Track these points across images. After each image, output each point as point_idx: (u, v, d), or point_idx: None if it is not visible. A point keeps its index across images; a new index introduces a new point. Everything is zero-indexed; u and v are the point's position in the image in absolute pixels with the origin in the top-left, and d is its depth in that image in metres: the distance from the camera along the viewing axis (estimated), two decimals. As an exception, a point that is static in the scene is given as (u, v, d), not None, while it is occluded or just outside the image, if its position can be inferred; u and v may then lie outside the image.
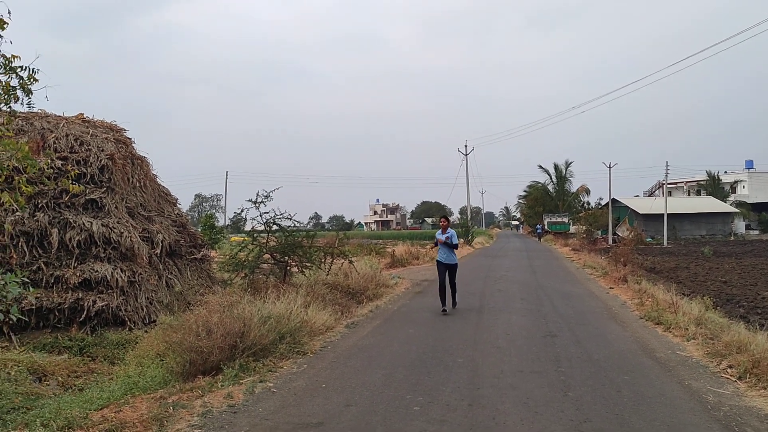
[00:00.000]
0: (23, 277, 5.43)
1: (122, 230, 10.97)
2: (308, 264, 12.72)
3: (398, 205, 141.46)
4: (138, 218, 12.13)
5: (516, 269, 22.77)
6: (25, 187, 5.60)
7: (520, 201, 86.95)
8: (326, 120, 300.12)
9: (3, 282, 5.11)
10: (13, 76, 5.29)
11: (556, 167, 71.17)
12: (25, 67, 5.30)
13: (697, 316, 9.74)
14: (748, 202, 65.73)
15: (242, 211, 12.94)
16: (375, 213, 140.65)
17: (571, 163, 70.57)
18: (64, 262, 10.28)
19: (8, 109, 5.53)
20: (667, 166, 51.62)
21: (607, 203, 55.30)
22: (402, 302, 13.31)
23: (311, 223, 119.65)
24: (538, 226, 61.71)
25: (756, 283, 17.64)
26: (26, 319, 9.22)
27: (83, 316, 9.84)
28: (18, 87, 5.35)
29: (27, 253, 10.09)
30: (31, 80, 5.35)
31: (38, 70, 5.34)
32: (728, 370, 6.85)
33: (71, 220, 10.60)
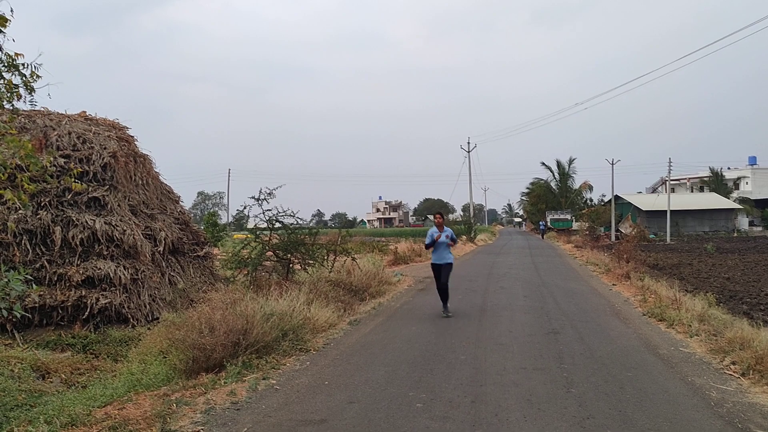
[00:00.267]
0: (26, 274, 5.45)
1: (125, 228, 10.99)
2: (311, 261, 12.72)
3: (401, 202, 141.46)
4: (141, 216, 12.14)
5: (519, 266, 22.75)
6: (28, 185, 5.61)
7: (522, 198, 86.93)
8: (329, 117, 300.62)
9: (6, 280, 5.12)
10: (16, 73, 5.30)
11: (558, 164, 71.17)
12: (28, 65, 5.30)
13: (700, 313, 9.71)
14: (752, 198, 65.58)
15: (245, 208, 12.94)
16: (378, 210, 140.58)
17: (573, 159, 70.58)
18: (67, 260, 10.31)
19: (11, 107, 5.53)
20: (670, 162, 51.46)
21: (610, 200, 55.26)
22: (405, 299, 13.31)
23: (314, 221, 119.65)
24: (540, 223, 61.62)
25: (759, 279, 17.57)
26: (29, 317, 9.27)
27: (86, 313, 9.87)
28: (21, 85, 5.35)
29: (30, 251, 10.11)
30: (34, 78, 5.35)
31: (41, 65, 5.34)
32: (731, 366, 6.84)
33: (74, 218, 10.62)
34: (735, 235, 54.34)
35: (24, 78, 5.33)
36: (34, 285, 7.33)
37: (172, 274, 12.23)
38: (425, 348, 8.05)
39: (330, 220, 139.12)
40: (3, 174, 5.34)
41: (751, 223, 62.37)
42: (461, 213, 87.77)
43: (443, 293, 10.95)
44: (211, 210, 73.14)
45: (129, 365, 7.74)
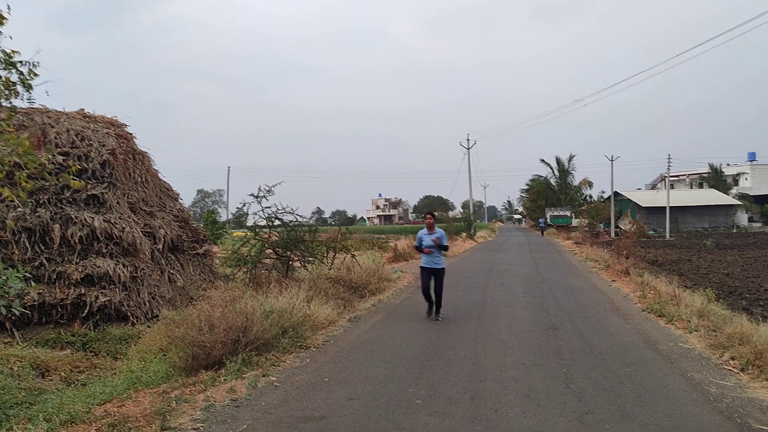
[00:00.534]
0: (25, 272, 5.44)
1: (124, 225, 10.98)
2: (311, 259, 12.72)
3: (401, 199, 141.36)
4: (140, 213, 12.14)
5: (518, 263, 22.75)
6: (27, 182, 5.60)
7: (522, 195, 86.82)
8: (329, 115, 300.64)
9: (5, 278, 5.12)
10: (14, 71, 5.28)
11: (558, 161, 71.09)
12: (25, 62, 5.28)
13: (699, 309, 9.72)
14: (751, 194, 65.56)
15: (244, 205, 12.92)
16: (377, 207, 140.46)
17: (573, 156, 70.48)
18: (66, 258, 10.30)
19: (9, 105, 5.52)
20: (669, 158, 51.46)
21: (610, 196, 55.22)
22: (404, 296, 13.31)
23: (314, 218, 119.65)
24: (540, 219, 61.59)
25: (758, 275, 17.60)
26: (29, 315, 9.27)
27: (86, 311, 9.87)
28: (18, 82, 5.34)
29: (29, 249, 10.11)
30: (31, 75, 5.34)
31: (38, 63, 5.33)
32: (731, 361, 6.85)
33: (73, 216, 10.61)
34: (734, 231, 54.38)
35: (22, 75, 5.31)
36: (33, 283, 7.34)
37: (171, 271, 12.22)
38: (425, 344, 8.05)
39: (330, 217, 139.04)
40: (1, 172, 5.33)
41: (750, 219, 62.39)
42: (461, 210, 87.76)
43: (436, 298, 10.11)
44: (211, 207, 73.12)
45: (128, 363, 7.74)
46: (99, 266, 10.29)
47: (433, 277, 10.03)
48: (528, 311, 10.79)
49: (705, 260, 23.33)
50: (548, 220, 62.49)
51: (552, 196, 70.02)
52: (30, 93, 5.48)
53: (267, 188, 12.61)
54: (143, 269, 11.04)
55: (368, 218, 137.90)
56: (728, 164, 74.28)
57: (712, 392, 5.76)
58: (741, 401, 5.48)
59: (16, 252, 9.89)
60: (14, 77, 5.28)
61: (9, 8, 4.99)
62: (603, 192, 73.61)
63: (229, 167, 75.23)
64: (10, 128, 5.38)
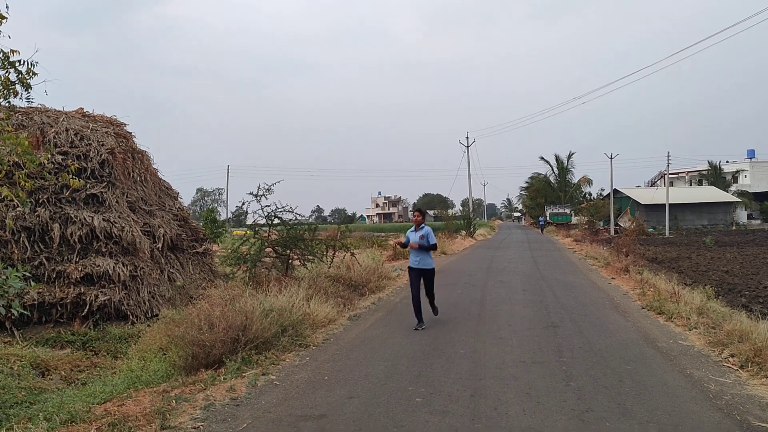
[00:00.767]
0: (25, 272, 5.44)
1: (123, 225, 10.98)
2: (310, 257, 12.72)
3: (400, 197, 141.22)
4: (139, 212, 12.14)
5: (518, 260, 22.76)
6: (26, 181, 5.60)
7: (522, 192, 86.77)
8: (328, 112, 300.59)
9: (5, 277, 5.12)
10: (12, 70, 5.28)
11: (557, 158, 71.03)
12: (24, 62, 5.28)
13: (698, 306, 9.73)
14: (750, 191, 65.57)
15: (243, 204, 12.93)
16: (377, 206, 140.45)
17: (572, 154, 70.41)
18: (65, 257, 10.31)
19: (7, 104, 5.52)
20: (668, 156, 51.42)
21: (609, 194, 55.21)
22: (404, 294, 13.29)
23: (313, 216, 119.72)
24: (540, 217, 61.61)
25: (758, 272, 17.61)
26: (29, 314, 9.27)
27: (85, 310, 9.88)
28: (17, 82, 5.34)
29: (28, 249, 10.11)
30: (30, 74, 5.34)
31: (36, 63, 5.33)
32: (730, 359, 6.85)
33: (72, 215, 10.61)
34: (733, 228, 54.38)
35: (20, 75, 5.31)
36: (32, 282, 7.34)
37: (171, 270, 12.23)
38: (424, 342, 8.06)
39: (329, 215, 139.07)
40: (0, 171, 5.33)
41: (749, 216, 62.44)
42: (461, 208, 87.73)
43: (417, 305, 9.18)
44: (210, 206, 73.09)
45: (128, 362, 7.75)
46: (98, 265, 10.29)
47: (422, 279, 9.35)
48: (527, 309, 10.80)
49: (704, 257, 23.35)
50: (548, 218, 62.51)
51: (551, 194, 70.00)
52: (29, 92, 5.49)
53: (266, 187, 12.63)
54: (143, 268, 11.04)
55: (368, 216, 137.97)
56: (727, 161, 74.29)
57: (711, 389, 5.76)
58: (740, 398, 5.48)
59: (16, 251, 9.89)
60: (13, 77, 5.28)
61: (7, 7, 4.98)
62: (602, 190, 73.54)
63: (228, 166, 75.34)
64: (9, 128, 5.38)
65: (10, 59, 5.22)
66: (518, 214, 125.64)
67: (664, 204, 49.11)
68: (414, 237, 9.33)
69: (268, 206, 12.57)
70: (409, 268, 9.53)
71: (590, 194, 71.96)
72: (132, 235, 10.96)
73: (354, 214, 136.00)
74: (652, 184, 76.72)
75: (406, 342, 8.12)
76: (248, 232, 13.29)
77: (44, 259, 10.10)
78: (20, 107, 11.25)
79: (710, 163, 70.92)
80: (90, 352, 8.95)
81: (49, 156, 10.46)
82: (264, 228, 12.73)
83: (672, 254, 24.96)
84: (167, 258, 12.41)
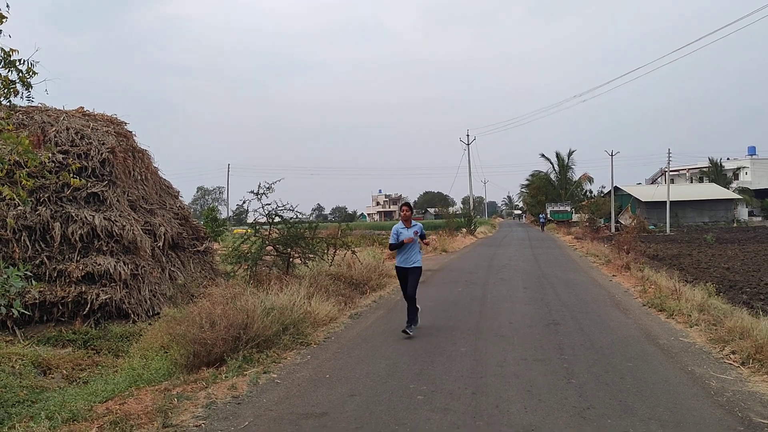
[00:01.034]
0: (26, 271, 5.44)
1: (124, 223, 10.98)
2: (311, 255, 12.72)
3: (401, 195, 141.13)
4: (140, 211, 12.14)
5: (519, 258, 22.76)
6: (27, 180, 5.60)
7: (522, 190, 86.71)
8: (329, 111, 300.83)
9: (6, 276, 5.12)
10: (13, 70, 5.28)
11: (558, 156, 71.03)
12: (24, 61, 5.28)
13: (699, 303, 9.73)
14: (751, 188, 65.58)
15: (244, 202, 12.93)
16: (378, 204, 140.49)
17: (573, 151, 70.40)
18: (66, 256, 10.31)
19: (8, 103, 5.51)
20: (669, 153, 51.37)
21: (610, 191, 55.21)
22: (405, 292, 13.30)
23: (314, 215, 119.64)
24: (540, 215, 61.58)
25: (759, 269, 17.59)
26: (30, 313, 9.27)
27: (87, 309, 9.88)
28: (17, 81, 5.33)
29: (30, 248, 10.11)
30: (30, 73, 5.33)
31: (37, 62, 5.32)
32: (731, 355, 6.85)
33: (73, 214, 10.61)
34: (734, 225, 54.38)
35: (21, 74, 5.31)
36: (33, 281, 7.35)
37: (172, 269, 12.23)
38: (426, 340, 8.06)
39: (330, 214, 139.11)
40: (1, 170, 5.33)
41: (750, 213, 62.42)
42: (461, 206, 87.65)
43: (409, 301, 8.76)
44: (211, 205, 73.10)
45: (130, 360, 7.75)
46: (100, 264, 10.29)
47: (408, 277, 8.76)
48: (529, 307, 10.80)
49: (705, 255, 23.33)
50: (548, 216, 62.51)
51: (552, 192, 69.99)
52: (29, 91, 5.48)
53: (267, 185, 12.62)
54: (144, 267, 11.04)
55: (368, 214, 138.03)
56: (728, 158, 74.25)
57: (712, 386, 5.76)
58: (742, 395, 5.48)
59: (17, 250, 9.89)
60: (13, 76, 5.27)
61: (8, 6, 4.98)
62: (603, 187, 73.60)
63: (228, 164, 75.34)
64: (10, 127, 5.38)
65: (11, 58, 5.22)
66: (519, 211, 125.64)
67: (665, 201, 49.09)
68: (408, 233, 8.78)
69: (269, 205, 12.58)
70: (397, 267, 9.01)
71: (591, 192, 72.01)
72: (133, 233, 10.97)
73: (355, 213, 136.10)
74: (653, 181, 76.66)
75: (407, 340, 8.13)
76: (249, 230, 13.30)
77: (45, 258, 10.10)
78: (21, 106, 11.26)
79: (711, 160, 70.88)
80: (91, 350, 8.96)
81: (50, 155, 10.47)
82: (265, 226, 12.73)
83: (673, 251, 24.95)
84: (168, 256, 12.41)
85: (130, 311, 10.27)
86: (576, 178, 71.31)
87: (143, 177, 13.02)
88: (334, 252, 13.44)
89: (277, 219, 12.68)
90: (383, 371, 6.48)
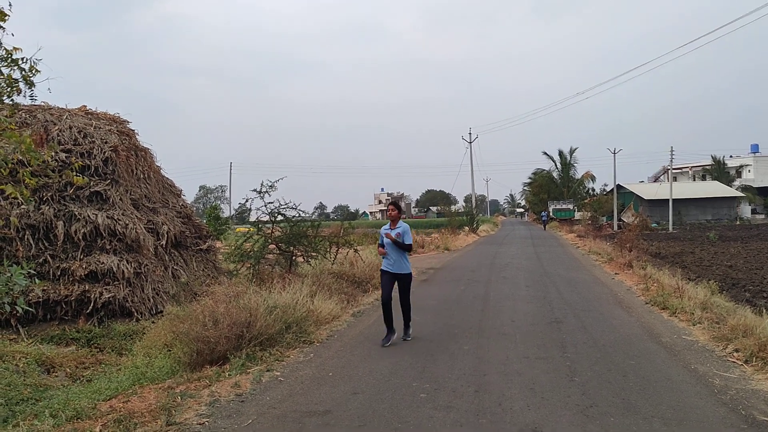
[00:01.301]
0: (30, 269, 5.45)
1: (127, 222, 11.00)
2: (314, 254, 12.73)
3: (403, 194, 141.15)
4: (143, 210, 12.16)
5: (521, 256, 22.74)
6: (30, 179, 5.61)
7: (524, 188, 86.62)
8: (331, 110, 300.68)
9: (9, 274, 5.13)
10: (15, 68, 5.28)
11: (560, 154, 70.94)
12: (27, 59, 5.28)
13: (702, 301, 9.71)
14: (754, 186, 65.47)
15: (247, 201, 12.93)
16: (380, 202, 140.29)
17: (575, 149, 70.30)
18: (70, 255, 10.33)
19: (11, 102, 5.52)
20: (672, 151, 51.26)
21: (612, 189, 55.13)
22: (407, 290, 13.30)
23: (316, 213, 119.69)
24: (543, 213, 61.51)
25: (762, 267, 17.56)
26: (34, 312, 9.29)
27: (90, 307, 9.90)
28: (20, 79, 5.33)
29: (33, 246, 10.14)
30: (33, 72, 5.33)
31: (39, 60, 5.32)
32: (734, 353, 6.84)
33: (76, 213, 10.63)
34: (737, 223, 54.28)
35: (24, 73, 5.31)
36: (37, 280, 7.35)
37: (175, 267, 12.25)
38: (428, 338, 8.06)
39: (332, 212, 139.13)
40: (4, 169, 5.34)
41: (753, 211, 62.29)
42: (463, 204, 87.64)
43: (403, 312, 8.08)
44: (213, 203, 73.18)
45: (133, 359, 7.77)
46: (103, 263, 10.32)
47: (398, 285, 7.99)
48: (531, 305, 10.80)
49: (708, 252, 23.29)
50: (551, 214, 62.42)
51: (554, 190, 69.93)
52: (32, 90, 5.48)
53: (269, 184, 12.61)
54: (147, 265, 11.06)
55: (370, 213, 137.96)
56: (731, 156, 74.10)
57: (716, 384, 5.76)
58: (745, 393, 5.47)
59: (21, 249, 9.92)
60: (16, 74, 5.27)
61: (10, 5, 4.98)
62: (605, 185, 73.49)
63: (231, 163, 75.34)
64: (13, 125, 5.38)
65: (13, 57, 5.22)
66: (521, 210, 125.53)
67: (668, 199, 49.00)
68: (392, 234, 7.96)
69: (272, 203, 12.57)
70: (381, 270, 8.10)
71: (593, 190, 71.90)
72: (136, 232, 10.99)
73: (357, 211, 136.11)
74: (656, 179, 76.57)
75: (409, 339, 8.12)
76: (251, 229, 13.29)
77: (49, 257, 10.13)
78: (24, 105, 11.29)
79: (714, 158, 70.77)
80: (95, 349, 8.98)
81: (53, 154, 10.49)
82: (267, 225, 12.73)
83: (675, 249, 24.91)
84: (171, 255, 12.43)
85: (133, 310, 10.29)
86: (578, 176, 71.22)
87: (146, 176, 13.04)
88: (337, 250, 13.45)
89: (279, 217, 12.68)
90: (386, 369, 6.48)
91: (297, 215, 12.92)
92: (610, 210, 52.87)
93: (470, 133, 57.44)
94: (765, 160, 72.15)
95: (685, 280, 12.48)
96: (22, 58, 5.26)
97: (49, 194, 10.69)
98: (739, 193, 60.43)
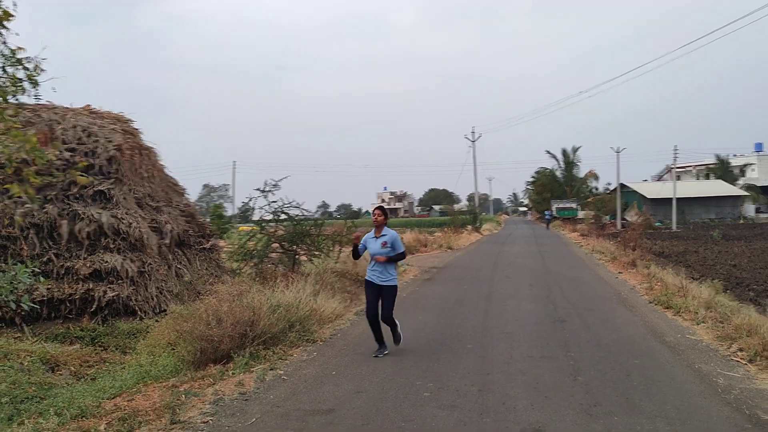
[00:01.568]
0: (34, 268, 5.48)
1: (131, 221, 11.03)
2: (317, 252, 12.73)
3: (406, 192, 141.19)
4: (146, 209, 12.18)
5: (524, 255, 22.73)
6: (34, 178, 5.62)
7: (528, 187, 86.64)
8: (333, 107, 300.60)
9: (14, 273, 5.15)
10: (20, 68, 5.29)
11: (564, 153, 70.84)
12: (31, 59, 5.29)
13: (706, 300, 9.70)
14: (758, 185, 65.24)
15: (250, 200, 12.94)
16: (383, 201, 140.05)
17: (578, 148, 70.21)
18: (74, 253, 10.36)
19: (15, 101, 5.53)
20: (675, 150, 51.24)
21: (616, 188, 55.02)
22: (411, 289, 13.32)
23: (319, 212, 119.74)
24: (546, 212, 61.42)
25: (766, 266, 17.53)
26: (38, 310, 9.32)
27: (94, 306, 9.93)
28: (25, 79, 5.35)
29: (37, 245, 10.17)
30: (38, 71, 5.34)
31: (44, 59, 5.33)
32: (738, 353, 6.83)
33: (80, 212, 10.66)
34: (741, 222, 54.15)
35: (28, 72, 5.32)
36: (41, 278, 7.38)
37: (178, 266, 12.27)
38: (432, 337, 8.07)
39: (335, 211, 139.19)
40: (9, 168, 5.36)
41: (757, 210, 62.12)
42: (466, 202, 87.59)
43: (375, 325, 7.18)
44: (217, 202, 73.32)
45: (137, 357, 7.79)
46: (107, 261, 10.34)
47: (381, 296, 7.13)
48: (534, 304, 10.79)
49: (712, 252, 23.25)
50: (554, 213, 62.31)
51: (558, 189, 69.80)
52: (36, 89, 5.49)
53: (273, 183, 12.62)
54: (150, 264, 11.09)
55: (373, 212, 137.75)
56: (735, 155, 73.91)
57: (720, 384, 5.75)
58: (749, 393, 5.46)
59: (25, 248, 9.95)
60: (21, 74, 5.28)
61: (15, 4, 4.99)
62: (609, 184, 73.37)
63: (234, 162, 75.37)
64: (17, 124, 5.39)
65: (18, 56, 5.23)
66: (524, 208, 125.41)
67: (671, 198, 48.92)
68: (375, 245, 7.19)
69: (275, 202, 12.58)
70: (366, 281, 7.35)
71: (597, 188, 71.80)
72: (140, 231, 11.01)
73: (360, 209, 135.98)
74: (659, 178, 76.44)
75: (412, 337, 8.12)
76: (255, 227, 13.31)
77: (53, 256, 10.15)
78: (28, 104, 11.31)
79: (717, 157, 70.61)
80: (99, 347, 9.01)
81: (57, 153, 10.51)
82: (270, 224, 12.74)
83: (679, 248, 24.87)
84: (175, 254, 12.46)
85: (137, 308, 10.32)
86: (582, 175, 71.13)
87: (150, 174, 13.06)
88: (340, 249, 13.45)
89: (282, 216, 12.69)
90: (389, 368, 6.49)
91: (300, 214, 12.93)
92: (613, 209, 52.77)
93: (473, 132, 57.42)
94: (769, 158, 71.95)
95: (689, 279, 12.45)
96: (27, 58, 5.28)
97: (53, 193, 10.72)
98: (743, 192, 60.26)
